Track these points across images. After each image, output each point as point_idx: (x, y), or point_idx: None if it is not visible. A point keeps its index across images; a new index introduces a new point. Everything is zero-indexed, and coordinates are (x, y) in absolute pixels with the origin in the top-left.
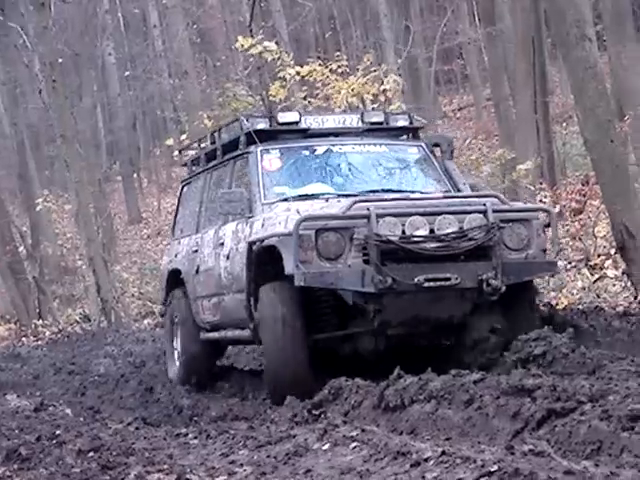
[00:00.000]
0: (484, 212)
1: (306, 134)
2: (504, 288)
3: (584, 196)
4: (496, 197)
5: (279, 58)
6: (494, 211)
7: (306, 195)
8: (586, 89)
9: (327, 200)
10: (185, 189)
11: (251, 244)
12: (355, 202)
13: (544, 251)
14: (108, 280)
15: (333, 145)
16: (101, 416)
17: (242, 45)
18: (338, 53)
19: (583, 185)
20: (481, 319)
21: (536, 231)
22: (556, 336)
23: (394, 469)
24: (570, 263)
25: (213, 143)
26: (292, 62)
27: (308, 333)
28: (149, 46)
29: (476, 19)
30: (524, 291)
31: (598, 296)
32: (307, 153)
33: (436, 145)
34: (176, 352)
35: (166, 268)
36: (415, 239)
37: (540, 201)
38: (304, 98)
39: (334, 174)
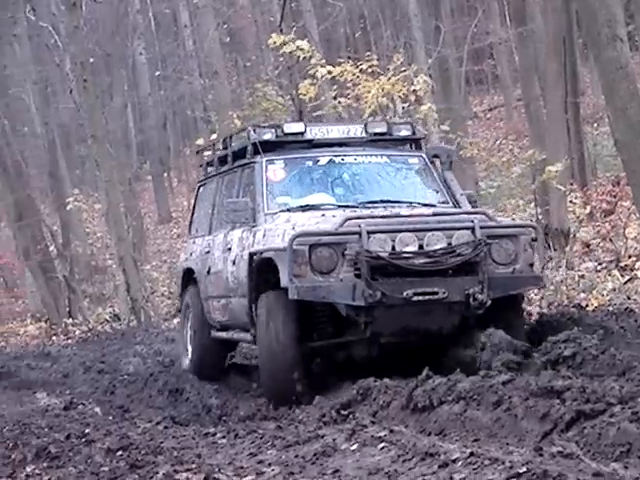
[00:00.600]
0: (472, 229)
1: (311, 144)
2: (490, 302)
3: (615, 197)
4: (484, 214)
5: (310, 57)
6: (482, 227)
7: (308, 206)
8: (617, 89)
9: (324, 215)
10: (201, 190)
11: (252, 255)
12: (347, 219)
13: (531, 265)
14: (138, 279)
15: (336, 156)
16: (130, 415)
17: (274, 42)
18: (368, 53)
19: (614, 186)
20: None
21: (523, 246)
22: (586, 337)
23: (422, 470)
24: (600, 264)
25: (225, 148)
26: (323, 61)
27: (304, 341)
28: (180, 46)
29: (507, 19)
30: (512, 304)
31: (628, 297)
32: (310, 164)
33: (436, 156)
34: (189, 346)
35: (182, 266)
36: (404, 255)
37: (571, 202)
38: (334, 97)
39: (336, 185)
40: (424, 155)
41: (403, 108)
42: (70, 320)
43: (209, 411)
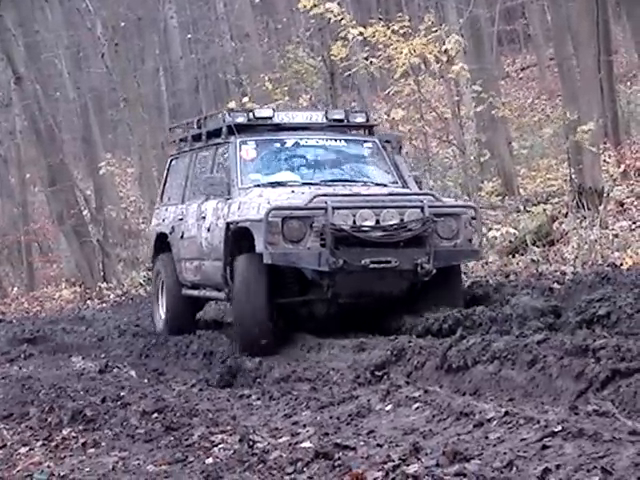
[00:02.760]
0: (421, 208)
1: (278, 127)
2: (435, 271)
3: None
4: (432, 195)
5: (341, 19)
6: (430, 207)
7: (276, 182)
8: None
9: (293, 191)
10: (173, 162)
11: (229, 224)
12: (315, 196)
13: (470, 241)
14: None
15: (300, 139)
16: (165, 378)
17: (304, 6)
18: (400, 14)
19: None
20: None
21: (464, 224)
22: (620, 296)
23: (457, 429)
24: (634, 223)
25: (199, 127)
26: (354, 22)
27: (273, 297)
28: (211, 9)
29: None
30: (452, 272)
31: None
32: (278, 145)
33: (387, 141)
34: (162, 306)
35: (154, 230)
36: (363, 228)
37: (604, 161)
38: (366, 58)
39: (300, 165)
40: (377, 140)
41: (435, 69)
42: (104, 284)
43: (244, 373)
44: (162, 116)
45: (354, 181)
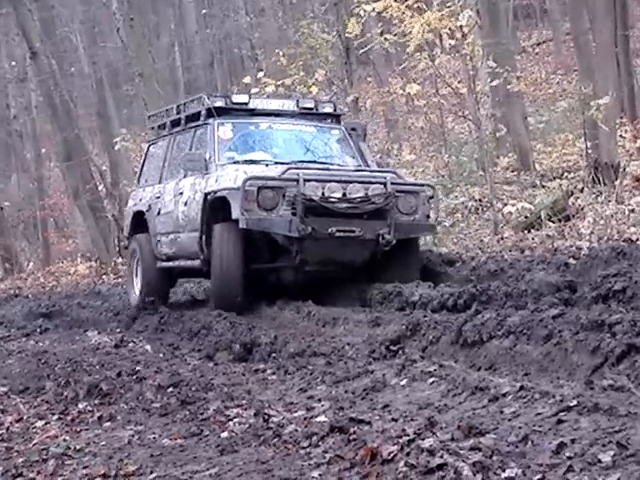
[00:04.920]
0: (384, 184)
1: (253, 113)
2: (395, 241)
3: None
4: (394, 173)
5: None
6: (392, 183)
7: (250, 160)
8: None
9: (267, 165)
10: (151, 148)
11: (207, 194)
12: (289, 168)
13: (427, 216)
14: None
15: (273, 123)
16: (180, 352)
17: None
18: None
19: None
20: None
21: (422, 201)
22: (636, 271)
23: (472, 404)
24: None
25: (178, 113)
26: None
27: (246, 262)
28: None
29: None
30: (410, 245)
31: None
32: (253, 128)
33: (353, 129)
34: (136, 280)
35: (131, 209)
36: (331, 200)
37: (621, 136)
38: (380, 34)
39: (273, 146)
40: (343, 128)
41: (450, 45)
42: (120, 259)
43: (259, 348)
44: (177, 91)
45: (322, 163)
